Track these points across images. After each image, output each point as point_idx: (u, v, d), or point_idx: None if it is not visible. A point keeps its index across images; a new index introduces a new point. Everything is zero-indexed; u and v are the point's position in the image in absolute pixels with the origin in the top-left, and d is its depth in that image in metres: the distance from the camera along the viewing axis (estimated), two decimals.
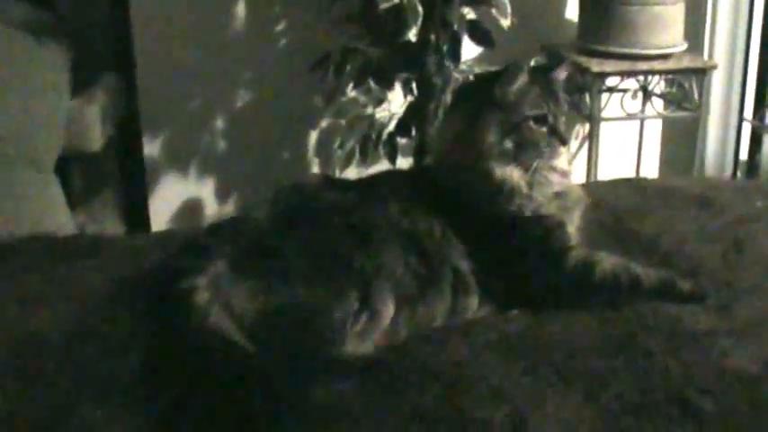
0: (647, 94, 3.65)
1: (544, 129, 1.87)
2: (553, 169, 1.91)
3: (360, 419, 1.44)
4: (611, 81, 3.46)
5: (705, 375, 1.52)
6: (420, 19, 2.99)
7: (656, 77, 3.56)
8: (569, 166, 1.98)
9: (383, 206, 1.83)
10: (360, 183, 1.98)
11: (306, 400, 1.45)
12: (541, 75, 1.92)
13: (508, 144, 1.85)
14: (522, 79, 1.86)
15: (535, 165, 1.86)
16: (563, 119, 1.90)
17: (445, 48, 3.14)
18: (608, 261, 1.80)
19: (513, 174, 1.85)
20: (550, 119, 1.87)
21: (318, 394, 1.47)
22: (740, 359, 1.57)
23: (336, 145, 3.48)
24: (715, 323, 1.69)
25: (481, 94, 1.91)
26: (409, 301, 1.72)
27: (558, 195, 1.91)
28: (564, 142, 1.88)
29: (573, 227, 1.90)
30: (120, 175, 3.34)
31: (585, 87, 3.37)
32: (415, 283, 1.74)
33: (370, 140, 3.29)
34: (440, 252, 1.79)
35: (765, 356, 1.58)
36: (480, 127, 1.89)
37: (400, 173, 2.25)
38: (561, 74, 1.94)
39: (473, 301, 1.78)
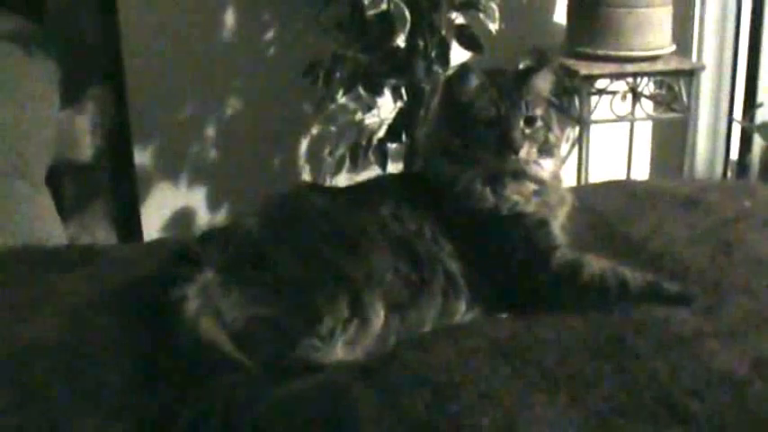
0: (637, 97, 3.65)
1: (493, 132, 1.85)
2: (522, 172, 1.89)
3: (349, 426, 1.44)
4: (600, 84, 3.47)
5: (693, 377, 1.53)
6: (408, 25, 2.99)
7: (645, 79, 3.56)
8: (545, 171, 1.93)
9: (373, 212, 1.83)
10: (349, 189, 1.99)
11: (294, 407, 1.46)
12: (507, 77, 1.91)
13: (457, 143, 1.87)
14: (475, 80, 1.87)
15: (489, 166, 1.86)
16: (519, 125, 1.84)
17: (434, 53, 3.15)
18: (596, 264, 1.80)
19: (461, 173, 1.86)
20: (503, 123, 1.84)
21: (307, 402, 1.48)
22: (728, 360, 1.58)
23: (327, 152, 3.48)
24: (703, 325, 1.69)
25: (444, 93, 1.93)
26: (400, 307, 1.73)
27: (537, 193, 1.90)
28: (513, 150, 1.84)
29: (557, 225, 1.91)
30: (112, 185, 3.33)
31: (574, 90, 3.38)
32: (406, 289, 1.75)
33: (361, 147, 3.29)
34: (430, 254, 1.80)
35: (753, 358, 1.58)
36: (438, 125, 1.93)
37: (389, 177, 2.27)
38: (545, 76, 1.93)
39: (461, 304, 1.79)
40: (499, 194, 1.85)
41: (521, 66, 3.45)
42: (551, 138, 1.91)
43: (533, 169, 1.89)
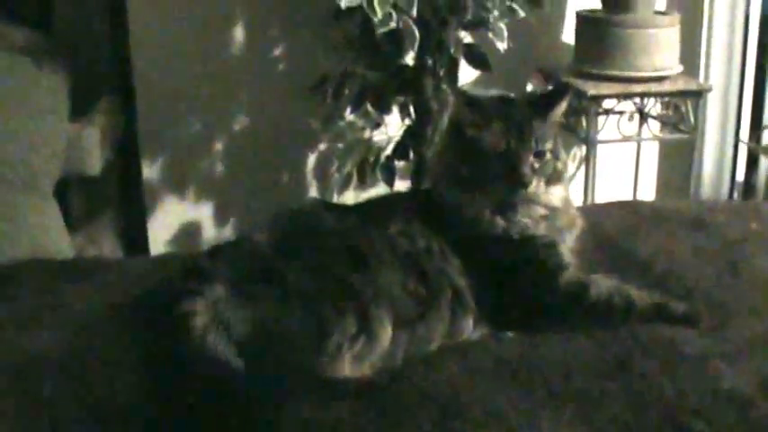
0: (644, 117, 3.66)
1: (502, 165, 1.83)
2: (532, 201, 1.88)
3: None
4: (607, 103, 3.47)
5: (699, 397, 1.53)
6: (417, 43, 3.00)
7: (653, 100, 3.57)
8: (555, 197, 1.92)
9: (382, 228, 1.84)
10: (359, 206, 1.99)
11: (302, 424, 1.46)
12: (518, 109, 1.89)
13: (464, 171, 1.86)
14: (480, 112, 1.85)
15: (497, 197, 1.85)
16: (528, 160, 1.82)
17: (442, 71, 3.16)
18: (602, 283, 1.80)
19: (469, 201, 1.85)
20: (512, 158, 1.82)
21: (315, 418, 1.48)
22: (734, 381, 1.58)
23: (334, 168, 3.49)
24: (709, 345, 1.69)
25: (452, 121, 1.93)
26: (408, 324, 1.73)
27: (545, 218, 1.89)
28: (522, 185, 1.82)
29: (566, 248, 1.90)
30: (119, 198, 3.34)
31: (582, 110, 3.38)
32: (414, 306, 1.75)
33: (368, 164, 3.30)
34: (439, 270, 1.80)
35: (759, 379, 1.58)
36: (446, 151, 1.93)
37: (399, 194, 2.26)
38: (559, 108, 1.91)
39: (469, 322, 1.79)
40: (509, 220, 1.85)
41: (528, 87, 3.47)
42: (559, 166, 1.90)
43: (543, 198, 1.89)
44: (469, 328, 1.79)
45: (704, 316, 1.79)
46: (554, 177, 1.89)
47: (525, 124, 1.84)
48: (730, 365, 1.62)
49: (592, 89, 3.31)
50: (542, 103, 1.91)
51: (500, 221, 1.85)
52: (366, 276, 1.72)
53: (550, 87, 3.48)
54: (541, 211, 1.89)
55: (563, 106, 1.92)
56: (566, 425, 1.47)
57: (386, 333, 1.69)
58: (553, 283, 1.81)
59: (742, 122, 3.86)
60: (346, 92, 3.22)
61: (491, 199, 1.85)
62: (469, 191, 1.85)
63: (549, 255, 1.85)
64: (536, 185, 1.85)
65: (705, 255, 2.10)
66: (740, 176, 3.92)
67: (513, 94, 3.01)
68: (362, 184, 3.35)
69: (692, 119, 3.47)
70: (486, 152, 1.83)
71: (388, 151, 3.32)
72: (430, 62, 3.14)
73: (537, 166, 1.84)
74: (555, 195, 1.91)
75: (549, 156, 1.86)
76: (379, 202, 2.01)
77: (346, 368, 1.63)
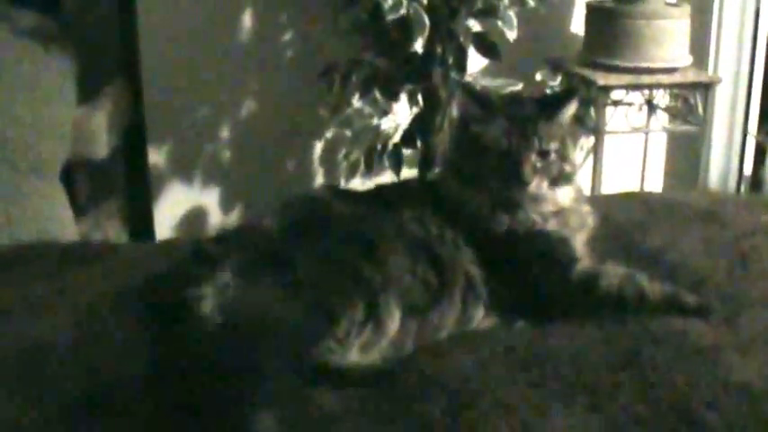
0: (652, 108, 3.65)
1: (503, 163, 1.82)
2: (537, 199, 1.85)
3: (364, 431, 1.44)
4: (616, 94, 3.46)
5: (711, 389, 1.52)
6: (427, 30, 2.99)
7: (661, 91, 3.56)
8: (560, 198, 1.89)
9: (394, 215, 1.83)
10: (370, 193, 1.98)
11: (310, 410, 1.46)
12: (524, 108, 1.87)
13: (467, 167, 1.86)
14: (485, 108, 1.84)
15: (499, 195, 1.83)
16: (530, 159, 1.80)
17: (451, 59, 3.15)
18: (614, 274, 1.79)
19: (471, 197, 1.85)
20: (513, 156, 1.81)
21: (322, 405, 1.47)
22: (746, 373, 1.57)
23: (341, 155, 3.48)
24: (721, 337, 1.69)
25: (460, 116, 1.92)
26: (419, 312, 1.72)
27: (555, 214, 1.87)
28: (522, 183, 1.81)
29: (578, 243, 1.89)
30: (126, 183, 3.35)
31: (591, 100, 3.37)
32: (426, 293, 1.74)
33: (376, 151, 3.29)
34: (452, 257, 1.79)
35: None
36: (453, 145, 1.93)
37: (412, 181, 2.25)
38: (568, 109, 1.88)
39: (479, 311, 1.78)
40: (514, 217, 1.84)
41: (537, 76, 3.46)
42: (566, 168, 1.87)
43: (549, 196, 1.87)
44: (480, 317, 1.78)
45: (716, 308, 1.78)
46: (560, 178, 1.87)
47: (529, 123, 1.82)
48: (742, 357, 1.62)
49: (601, 79, 3.30)
50: (550, 103, 1.89)
51: (504, 218, 1.83)
52: (376, 263, 1.71)
53: (560, 79, 3.48)
54: (550, 207, 1.87)
55: (572, 108, 1.90)
56: (577, 415, 1.47)
57: (393, 320, 1.68)
58: (565, 275, 1.80)
59: (750, 115, 3.84)
60: (354, 79, 3.21)
61: (492, 196, 1.84)
62: (472, 186, 1.85)
63: (561, 249, 1.83)
64: (537, 185, 1.83)
65: (716, 247, 2.09)
66: (748, 169, 3.90)
67: (521, 90, 3.02)
68: (370, 171, 3.34)
69: (700, 111, 3.46)
70: (489, 148, 1.82)
71: (396, 139, 3.31)
72: (439, 50, 3.13)
73: (539, 165, 1.82)
74: (562, 196, 1.89)
75: (553, 156, 1.83)
76: (390, 189, 1.99)
77: (355, 355, 1.63)
